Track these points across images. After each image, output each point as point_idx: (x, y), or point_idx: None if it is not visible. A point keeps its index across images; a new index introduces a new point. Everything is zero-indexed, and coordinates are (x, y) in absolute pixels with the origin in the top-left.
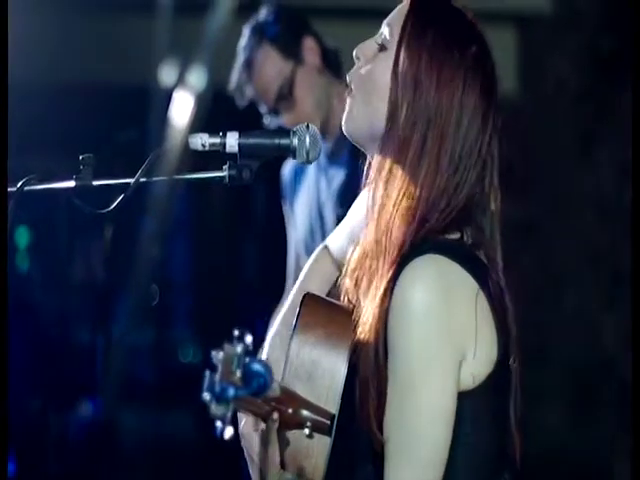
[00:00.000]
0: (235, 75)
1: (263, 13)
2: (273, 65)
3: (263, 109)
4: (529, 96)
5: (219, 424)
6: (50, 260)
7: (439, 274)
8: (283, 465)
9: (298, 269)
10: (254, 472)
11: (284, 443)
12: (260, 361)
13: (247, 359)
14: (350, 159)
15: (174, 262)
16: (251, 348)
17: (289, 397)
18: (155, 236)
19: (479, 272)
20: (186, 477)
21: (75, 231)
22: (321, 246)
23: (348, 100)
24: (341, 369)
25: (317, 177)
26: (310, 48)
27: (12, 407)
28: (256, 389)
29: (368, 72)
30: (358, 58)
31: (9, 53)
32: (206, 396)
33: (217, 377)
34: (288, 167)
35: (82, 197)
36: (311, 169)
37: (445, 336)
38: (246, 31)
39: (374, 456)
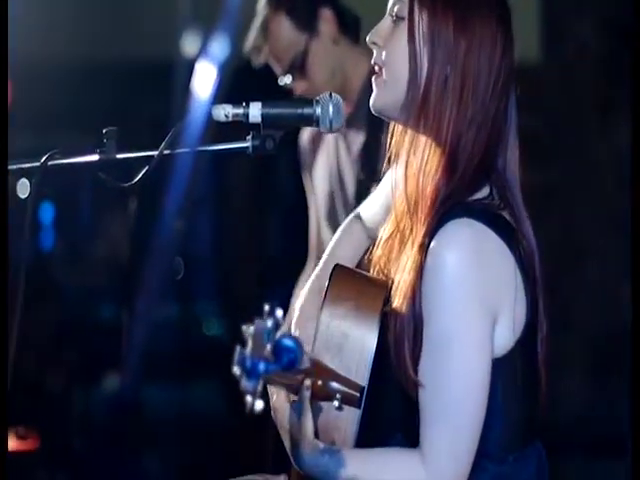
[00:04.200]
0: (251, 36)
1: None
2: (287, 36)
3: (277, 71)
4: (550, 62)
5: (249, 398)
6: (74, 235)
7: (473, 238)
8: (316, 435)
9: (319, 236)
10: (288, 443)
11: (314, 414)
12: (291, 336)
13: (278, 334)
14: (369, 123)
15: (198, 235)
16: (282, 322)
17: (319, 368)
18: (179, 209)
19: (510, 237)
20: (212, 450)
21: (99, 205)
22: (353, 214)
23: (375, 83)
24: (371, 342)
25: (336, 143)
26: (326, 19)
27: (35, 383)
28: (286, 364)
29: (390, 50)
30: (374, 43)
31: (31, 29)
32: (236, 370)
33: (248, 352)
34: (305, 135)
35: (106, 171)
36: (329, 135)
37: (480, 297)
38: None
39: (404, 425)
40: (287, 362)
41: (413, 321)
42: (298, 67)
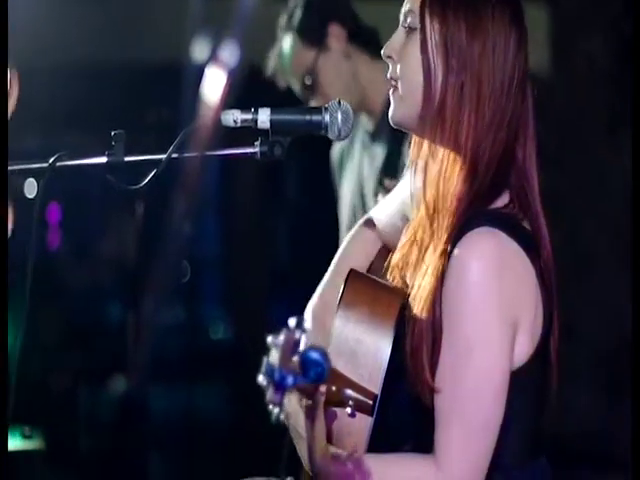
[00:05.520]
0: (271, 61)
1: (294, 0)
2: (296, 54)
3: (295, 88)
4: (560, 74)
5: (275, 409)
6: (81, 236)
7: (497, 247)
8: (329, 441)
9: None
10: (302, 448)
11: (327, 420)
12: (318, 349)
13: (305, 347)
14: (392, 137)
15: (205, 238)
16: (308, 334)
17: (334, 375)
18: (186, 212)
19: (531, 249)
20: (216, 454)
21: (106, 207)
22: (363, 219)
23: (392, 97)
24: (386, 349)
25: (361, 155)
26: (335, 35)
27: (42, 382)
28: (314, 378)
29: (404, 63)
30: (389, 57)
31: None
32: (264, 381)
33: (276, 364)
34: (337, 147)
35: (114, 173)
36: (357, 148)
37: (502, 306)
38: (282, 17)
39: (415, 434)
40: (314, 376)
41: (432, 327)
42: (310, 84)
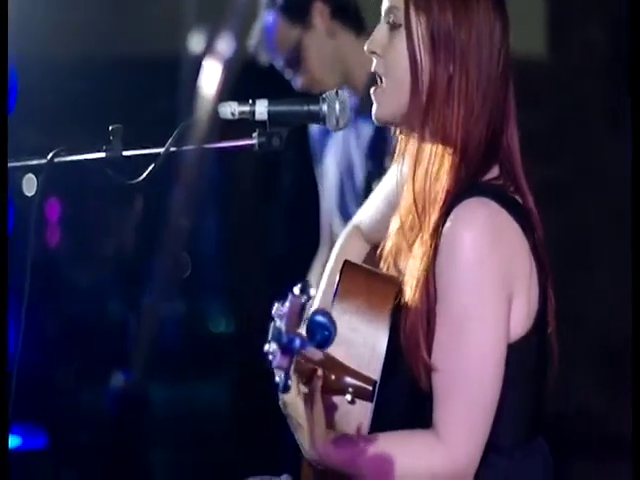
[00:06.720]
0: (253, 37)
1: None
2: (280, 32)
3: (278, 66)
4: (556, 63)
5: (281, 377)
6: (80, 232)
7: (489, 217)
8: (329, 426)
9: (330, 225)
10: (302, 437)
11: (326, 408)
12: (324, 313)
13: (311, 310)
14: None
15: (205, 232)
16: (313, 299)
17: (332, 363)
18: (186, 206)
19: (524, 221)
20: (217, 448)
21: (105, 202)
22: (350, 225)
23: (376, 93)
24: (383, 336)
25: (346, 132)
26: (319, 12)
27: (43, 380)
28: (320, 341)
29: (390, 59)
30: (373, 52)
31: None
32: (272, 346)
33: (283, 327)
34: (315, 126)
35: (112, 168)
36: None
37: (496, 276)
38: None
39: (415, 417)
40: (321, 339)
41: (427, 304)
42: (294, 63)
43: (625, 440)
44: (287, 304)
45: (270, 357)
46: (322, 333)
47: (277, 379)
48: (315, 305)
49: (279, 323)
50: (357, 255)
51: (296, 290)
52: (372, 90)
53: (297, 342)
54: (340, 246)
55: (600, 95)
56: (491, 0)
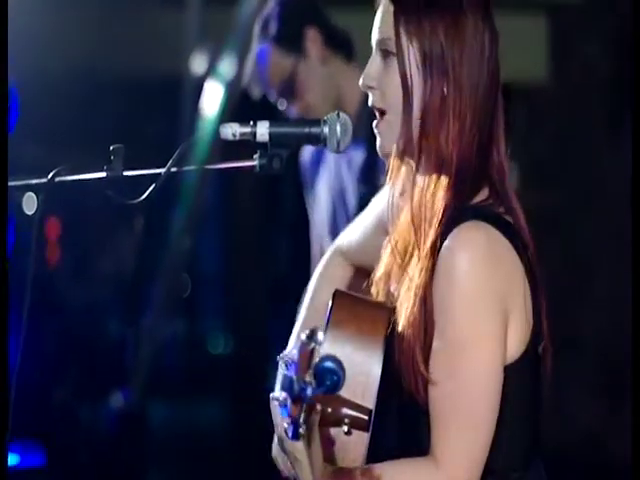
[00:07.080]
0: (246, 71)
1: (268, 7)
2: (274, 63)
3: (271, 97)
4: (559, 84)
5: (290, 424)
6: (80, 251)
7: (486, 240)
8: (326, 460)
9: (322, 253)
10: (300, 472)
11: (322, 440)
12: (333, 358)
13: (319, 357)
14: (369, 138)
15: (205, 252)
16: (319, 345)
17: (328, 396)
18: (186, 226)
19: (517, 240)
20: (215, 468)
21: (105, 222)
22: (330, 250)
23: (378, 128)
24: (377, 364)
25: (337, 158)
26: (312, 40)
27: (42, 398)
28: (330, 386)
29: (387, 91)
30: (369, 87)
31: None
32: (283, 395)
33: (294, 376)
34: (307, 151)
35: (113, 188)
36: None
37: (493, 298)
38: (256, 25)
39: (413, 444)
40: (331, 384)
41: (424, 322)
42: (288, 91)
43: (625, 464)
44: (295, 351)
45: (277, 404)
46: (331, 379)
47: (288, 427)
48: (295, 331)
49: (289, 372)
50: (340, 279)
51: (303, 336)
52: (374, 124)
53: (309, 391)
54: (320, 273)
55: (599, 113)
56: (480, 13)
